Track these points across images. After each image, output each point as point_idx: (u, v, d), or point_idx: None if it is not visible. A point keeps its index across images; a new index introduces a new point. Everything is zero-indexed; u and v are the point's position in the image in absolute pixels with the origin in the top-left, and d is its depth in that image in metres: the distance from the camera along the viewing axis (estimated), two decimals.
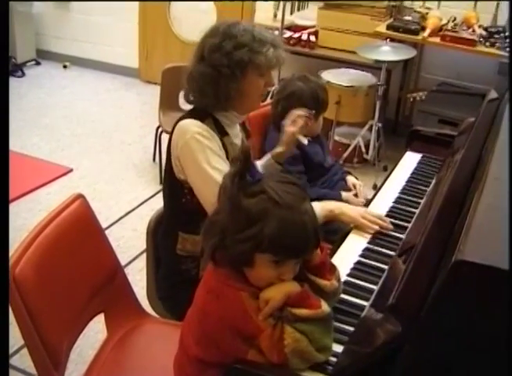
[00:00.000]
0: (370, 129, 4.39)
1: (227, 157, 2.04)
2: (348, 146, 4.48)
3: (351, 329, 1.51)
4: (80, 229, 1.94)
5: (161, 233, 2.22)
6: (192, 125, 2.00)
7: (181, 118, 2.06)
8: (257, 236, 1.33)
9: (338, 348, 1.43)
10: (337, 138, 4.54)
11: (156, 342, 2.09)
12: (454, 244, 1.33)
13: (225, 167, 2.00)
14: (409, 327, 1.16)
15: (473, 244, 1.07)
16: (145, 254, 3.35)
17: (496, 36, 4.04)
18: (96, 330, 2.25)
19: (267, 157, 2.31)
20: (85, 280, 1.92)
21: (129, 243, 3.53)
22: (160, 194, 4.02)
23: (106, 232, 3.53)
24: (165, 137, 4.22)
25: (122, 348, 2.03)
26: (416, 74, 4.99)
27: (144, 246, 3.42)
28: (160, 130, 4.24)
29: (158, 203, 3.94)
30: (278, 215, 1.33)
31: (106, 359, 1.97)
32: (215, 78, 1.96)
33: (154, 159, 4.49)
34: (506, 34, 4.09)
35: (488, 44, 4.02)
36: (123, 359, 2.02)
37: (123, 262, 3.32)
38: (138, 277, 3.22)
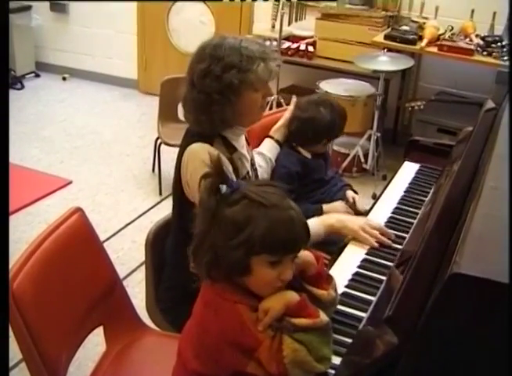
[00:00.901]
0: (369, 139, 4.40)
1: (237, 173, 2.03)
2: (347, 155, 4.48)
3: (350, 340, 1.51)
4: (78, 242, 1.94)
5: (171, 248, 2.20)
6: (201, 152, 1.94)
7: (190, 141, 2.02)
8: (249, 240, 1.35)
9: (336, 360, 1.43)
10: (335, 148, 4.56)
11: (155, 355, 2.09)
12: (451, 255, 1.33)
13: None
14: (405, 339, 1.16)
15: (469, 256, 1.08)
16: (144, 267, 3.39)
17: (494, 45, 4.05)
18: (96, 343, 2.24)
19: (267, 142, 2.38)
20: (84, 294, 1.91)
21: (128, 255, 3.53)
22: (160, 205, 4.12)
23: (105, 244, 3.58)
24: (164, 148, 4.26)
25: (121, 362, 2.03)
26: (414, 84, 5.01)
27: (143, 258, 3.46)
28: (159, 141, 4.24)
29: (157, 214, 3.98)
30: (265, 216, 1.35)
31: (105, 373, 1.97)
32: (208, 105, 1.94)
33: (153, 170, 4.50)
34: (504, 43, 4.10)
35: (485, 53, 4.03)
36: (122, 372, 2.02)
37: (122, 274, 3.35)
38: (137, 289, 3.22)
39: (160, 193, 4.23)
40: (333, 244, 2.13)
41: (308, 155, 2.62)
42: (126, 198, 4.18)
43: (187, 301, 2.14)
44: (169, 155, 4.42)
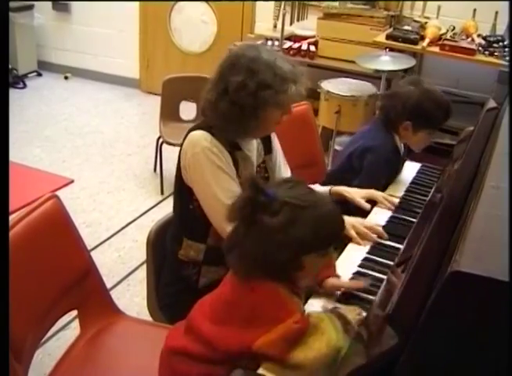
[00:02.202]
0: None
1: (238, 172, 2.05)
2: None
3: None
4: (51, 228, 1.97)
5: (169, 236, 2.24)
6: (202, 139, 2.00)
7: (193, 128, 2.07)
8: (298, 243, 1.44)
9: None
10: (337, 147, 4.54)
11: (128, 340, 2.15)
12: (451, 254, 1.33)
13: (231, 185, 2.01)
14: (405, 337, 1.16)
15: (469, 254, 1.07)
16: (145, 266, 3.40)
17: (495, 45, 4.05)
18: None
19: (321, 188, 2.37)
20: (55, 278, 1.95)
21: (130, 254, 3.53)
22: (161, 205, 4.12)
23: (107, 243, 3.63)
24: (166, 148, 4.27)
25: (94, 345, 2.08)
26: None
27: (145, 257, 3.46)
28: (160, 141, 4.25)
29: (159, 213, 3.99)
30: (308, 217, 1.45)
31: (77, 356, 2.02)
32: (239, 117, 1.96)
33: (155, 169, 4.50)
34: (506, 43, 4.10)
35: (487, 53, 4.03)
36: (94, 355, 2.07)
37: (123, 273, 3.37)
38: (138, 288, 3.23)
39: (162, 193, 4.23)
40: None
41: (401, 152, 2.54)
42: (128, 197, 4.18)
43: (186, 297, 2.16)
44: (170, 154, 4.42)
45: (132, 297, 3.16)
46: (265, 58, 1.96)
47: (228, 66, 1.99)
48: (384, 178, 2.46)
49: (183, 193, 2.12)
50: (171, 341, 1.67)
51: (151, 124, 5.20)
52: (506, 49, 4.04)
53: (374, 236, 2.06)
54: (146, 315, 2.78)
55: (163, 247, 2.27)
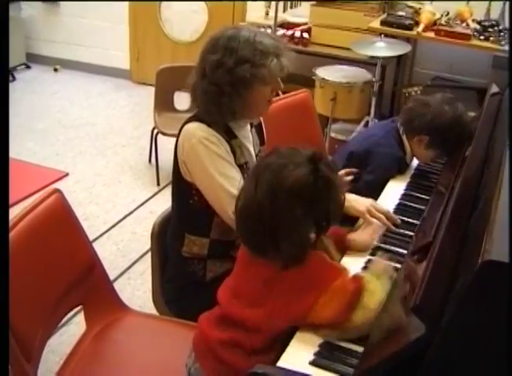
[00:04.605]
0: (366, 125, 4.38)
1: (235, 161, 2.02)
2: (345, 142, 4.45)
3: None
4: (55, 223, 1.94)
5: (170, 234, 2.21)
6: (198, 130, 1.98)
7: (187, 121, 2.04)
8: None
9: (358, 348, 1.44)
10: (332, 134, 4.52)
11: (135, 335, 2.12)
12: (472, 242, 1.32)
13: (233, 172, 1.98)
14: (432, 327, 1.15)
15: (498, 243, 1.06)
16: (146, 258, 3.37)
17: (490, 30, 4.03)
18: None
19: None
20: (61, 274, 1.93)
21: (129, 246, 3.50)
22: (158, 196, 4.09)
23: (105, 235, 3.59)
24: (161, 138, 4.23)
25: (101, 341, 2.06)
26: (409, 69, 4.99)
27: (144, 249, 3.45)
28: (155, 131, 4.20)
29: (156, 205, 3.96)
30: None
31: (84, 352, 1.99)
32: (218, 97, 1.93)
33: (150, 161, 4.46)
34: (501, 27, 4.08)
35: (482, 38, 4.01)
36: (101, 351, 2.05)
37: (123, 266, 3.33)
38: (139, 281, 3.21)
39: (158, 184, 4.20)
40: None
41: (409, 160, 2.48)
42: (124, 189, 4.14)
43: (192, 292, 2.15)
44: (165, 145, 4.39)
45: (134, 290, 3.13)
46: (243, 35, 1.94)
47: (207, 49, 1.97)
48: (381, 183, 2.41)
49: (182, 188, 2.09)
50: (213, 332, 1.63)
51: (144, 115, 5.16)
52: (502, 34, 4.02)
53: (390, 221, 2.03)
54: (149, 308, 2.76)
55: (165, 241, 2.24)
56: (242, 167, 2.05)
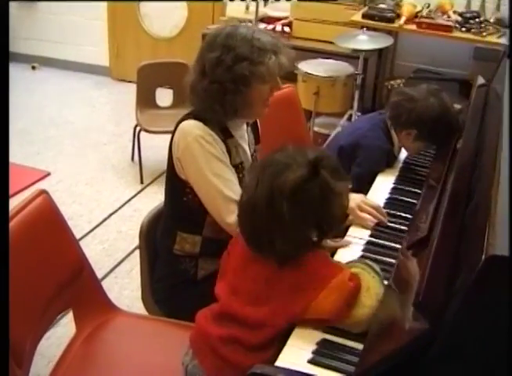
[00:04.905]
0: (350, 119, 4.38)
1: (230, 160, 2.00)
2: (328, 136, 4.44)
3: None
4: (43, 225, 1.91)
5: (160, 232, 2.18)
6: (194, 128, 1.95)
7: (184, 118, 2.01)
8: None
9: (358, 345, 1.42)
10: (316, 129, 4.51)
11: (126, 336, 2.10)
12: (470, 235, 1.31)
13: (228, 174, 1.96)
14: (435, 323, 1.13)
15: (502, 237, 1.04)
16: (132, 256, 3.34)
17: (472, 21, 4.04)
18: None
19: None
20: (49, 277, 1.90)
21: (115, 245, 3.46)
22: (142, 194, 4.05)
23: (90, 235, 3.55)
24: (143, 135, 4.19)
25: (92, 344, 2.03)
26: (391, 62, 4.99)
27: (130, 247, 3.42)
28: (138, 129, 4.16)
29: (141, 203, 3.93)
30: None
31: (75, 355, 1.97)
32: (221, 94, 1.91)
33: (133, 158, 4.41)
34: (481, 19, 4.10)
35: (464, 29, 4.02)
36: (93, 354, 2.02)
37: (110, 266, 3.30)
38: (126, 280, 3.17)
39: (142, 182, 4.15)
40: None
41: (397, 152, 2.47)
42: (107, 188, 4.09)
43: (184, 290, 2.12)
44: (148, 142, 4.35)
45: (121, 290, 3.09)
46: (241, 32, 1.92)
47: (205, 47, 1.95)
48: (370, 176, 2.39)
49: (176, 185, 2.06)
50: (212, 329, 1.61)
51: (125, 112, 5.10)
52: (483, 25, 4.04)
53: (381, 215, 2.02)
54: (137, 308, 2.73)
55: (155, 239, 2.21)
56: (237, 167, 2.03)
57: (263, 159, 1.60)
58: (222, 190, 1.92)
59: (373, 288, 1.51)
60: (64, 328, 2.63)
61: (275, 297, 1.51)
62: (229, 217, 1.92)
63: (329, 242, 1.83)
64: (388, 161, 2.44)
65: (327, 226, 1.53)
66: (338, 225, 1.59)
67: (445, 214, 1.44)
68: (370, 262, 1.60)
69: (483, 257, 1.03)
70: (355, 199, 2.02)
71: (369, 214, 1.99)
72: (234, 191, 1.94)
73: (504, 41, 3.93)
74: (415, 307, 1.17)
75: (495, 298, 1.02)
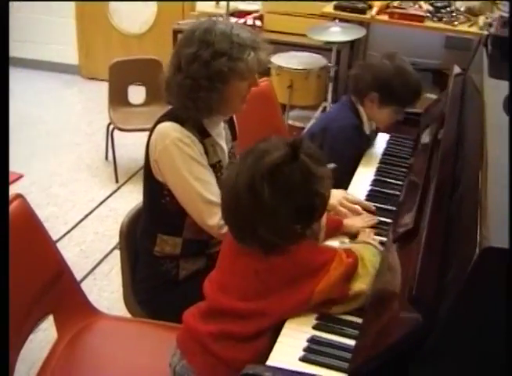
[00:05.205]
0: (324, 111, 4.37)
1: (208, 160, 1.97)
2: (303, 129, 4.43)
3: (356, 320, 1.52)
4: (20, 230, 1.86)
5: (140, 234, 2.14)
6: (172, 130, 1.91)
7: (160, 120, 1.97)
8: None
9: (350, 341, 1.41)
10: (290, 122, 4.49)
11: (110, 340, 2.07)
12: (458, 227, 1.30)
13: (207, 176, 1.93)
14: (429, 317, 1.12)
15: (495, 229, 1.03)
16: (110, 257, 3.30)
17: (443, 11, 4.06)
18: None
19: None
20: (29, 283, 1.86)
21: (92, 246, 3.41)
22: (118, 194, 4.00)
23: (67, 237, 3.49)
24: (117, 134, 4.13)
25: (75, 349, 1.99)
26: (363, 53, 4.99)
27: (108, 248, 3.38)
28: (111, 127, 4.10)
29: (116, 202, 3.87)
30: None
31: (59, 360, 1.93)
32: (195, 91, 1.87)
33: (107, 157, 4.35)
34: (452, 8, 4.11)
35: (435, 19, 4.03)
36: (77, 359, 1.98)
37: (88, 267, 3.25)
38: (105, 282, 3.13)
39: (117, 181, 4.10)
40: None
41: (368, 129, 2.48)
42: (82, 188, 4.03)
43: (166, 291, 2.09)
44: (121, 141, 4.30)
45: (100, 291, 3.05)
46: (220, 27, 1.88)
47: (182, 42, 1.91)
48: (348, 158, 2.39)
49: (153, 188, 2.02)
50: (201, 326, 1.58)
51: (96, 111, 5.03)
52: (454, 14, 4.05)
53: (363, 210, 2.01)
54: (117, 310, 2.70)
55: (135, 240, 2.18)
56: (214, 166, 2.00)
57: (243, 152, 1.57)
58: (202, 193, 1.90)
59: (366, 256, 1.58)
60: (45, 333, 2.58)
61: (269, 291, 1.49)
62: (211, 219, 1.90)
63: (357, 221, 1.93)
64: (360, 140, 2.44)
65: (308, 214, 1.51)
66: (318, 215, 1.57)
67: (432, 206, 1.42)
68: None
69: (476, 249, 1.02)
70: (336, 195, 1.99)
71: (353, 210, 1.97)
72: (213, 193, 1.91)
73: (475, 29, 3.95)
74: (409, 301, 1.15)
75: (492, 289, 1.01)
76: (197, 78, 1.85)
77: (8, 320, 1.45)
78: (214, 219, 1.88)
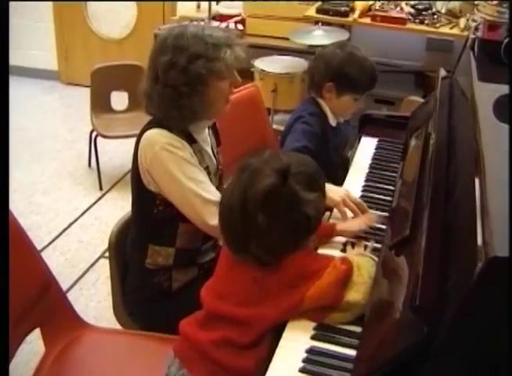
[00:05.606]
0: None
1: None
2: None
3: (355, 329, 1.50)
4: None
5: (130, 246, 2.10)
6: (160, 136, 1.89)
7: (146, 128, 1.94)
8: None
9: (349, 351, 1.39)
10: (275, 126, 4.46)
11: (97, 352, 2.04)
12: (456, 234, 1.29)
13: (201, 176, 1.91)
14: (432, 327, 1.11)
15: (499, 237, 1.02)
16: (96, 266, 3.26)
17: (424, 13, 4.06)
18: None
19: None
20: (16, 296, 1.80)
21: (77, 256, 3.36)
22: (102, 201, 3.95)
23: (51, 246, 3.44)
24: (101, 141, 4.08)
25: (64, 363, 1.96)
26: None
27: (94, 257, 3.34)
28: (94, 134, 4.05)
29: (101, 210, 3.83)
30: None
31: (47, 374, 1.89)
32: (176, 99, 1.85)
33: (90, 164, 4.30)
34: (434, 10, 4.12)
35: (417, 21, 4.04)
36: (65, 373, 1.95)
37: (74, 277, 3.20)
38: (92, 291, 3.09)
39: (101, 188, 4.05)
40: None
41: (333, 121, 2.50)
42: (65, 196, 3.97)
43: (158, 303, 2.06)
44: (104, 148, 4.26)
45: (87, 301, 3.01)
46: (191, 31, 1.86)
47: (156, 51, 1.89)
48: (309, 148, 2.35)
49: (145, 198, 1.98)
50: (200, 334, 1.57)
51: (78, 117, 4.99)
52: (435, 17, 4.06)
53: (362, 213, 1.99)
54: (106, 320, 2.67)
55: (124, 250, 2.14)
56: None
57: (241, 163, 1.57)
58: (200, 193, 1.86)
59: (363, 266, 1.56)
60: (30, 345, 2.52)
61: (264, 296, 1.50)
62: (212, 219, 1.84)
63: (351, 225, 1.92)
64: (320, 126, 2.45)
65: (299, 235, 1.54)
66: (310, 234, 1.59)
67: (429, 212, 1.41)
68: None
69: (478, 256, 1.01)
70: (338, 192, 1.98)
71: (352, 210, 1.96)
72: (210, 192, 1.88)
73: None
74: (411, 310, 1.14)
75: (498, 299, 0.99)
76: (177, 86, 1.83)
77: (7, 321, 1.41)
78: (214, 219, 1.81)
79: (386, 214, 1.99)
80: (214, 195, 1.86)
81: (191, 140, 1.96)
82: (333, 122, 2.50)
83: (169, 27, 1.96)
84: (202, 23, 4.56)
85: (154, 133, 1.90)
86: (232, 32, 1.95)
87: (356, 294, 1.51)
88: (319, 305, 1.51)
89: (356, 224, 1.91)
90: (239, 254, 1.54)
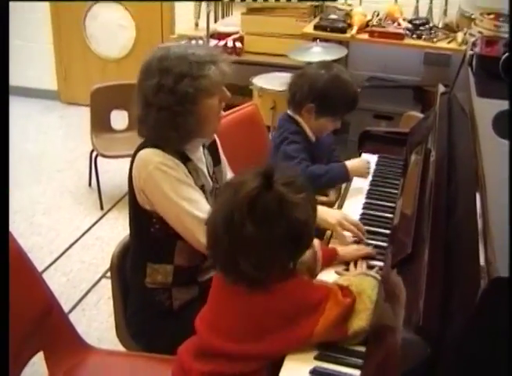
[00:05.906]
0: None
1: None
2: None
3: (359, 349, 1.49)
4: None
5: (130, 266, 2.10)
6: (153, 155, 1.89)
7: (140, 148, 1.95)
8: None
9: (352, 371, 1.38)
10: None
11: (101, 375, 2.02)
12: (458, 253, 1.28)
13: (195, 195, 1.91)
14: (436, 348, 1.10)
15: (501, 257, 1.02)
16: (98, 287, 3.25)
17: (422, 28, 4.08)
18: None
19: None
20: (17, 320, 1.79)
21: (79, 276, 3.35)
22: (103, 221, 3.95)
23: (53, 267, 3.43)
24: (101, 161, 4.09)
25: None
26: None
27: (95, 278, 3.33)
28: (94, 154, 4.06)
29: (102, 230, 3.83)
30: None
31: None
32: (172, 119, 1.86)
33: (90, 184, 4.30)
34: (431, 24, 4.15)
35: (415, 36, 4.06)
36: None
37: (76, 298, 3.19)
38: (95, 312, 3.08)
39: (102, 208, 4.05)
40: None
41: (312, 137, 2.50)
42: (66, 216, 3.97)
43: (160, 322, 2.05)
44: (104, 167, 4.26)
45: (90, 322, 2.99)
46: (174, 52, 1.89)
47: (142, 77, 1.91)
48: (306, 159, 2.39)
49: (141, 218, 1.99)
50: (193, 365, 1.54)
51: (77, 137, 4.99)
52: (432, 31, 4.08)
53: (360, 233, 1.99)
54: (109, 341, 2.65)
55: (126, 271, 2.13)
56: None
57: (221, 188, 1.56)
58: (193, 213, 1.87)
59: (363, 291, 1.54)
60: (33, 367, 2.51)
61: (264, 331, 1.46)
62: (205, 239, 1.85)
63: (351, 249, 1.90)
64: (308, 142, 2.47)
65: (292, 244, 1.47)
66: (305, 244, 1.53)
67: (431, 230, 1.41)
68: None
69: (481, 276, 1.00)
70: (335, 215, 1.99)
71: (350, 231, 1.96)
72: (204, 211, 1.88)
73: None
74: (415, 332, 1.13)
75: (502, 319, 0.99)
76: (170, 106, 1.85)
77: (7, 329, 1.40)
78: None
79: (387, 231, 1.98)
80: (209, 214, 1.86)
81: (185, 159, 1.96)
82: (312, 138, 2.50)
83: (154, 49, 1.97)
84: (200, 41, 4.63)
85: (148, 153, 1.91)
86: (215, 49, 1.97)
87: (361, 321, 1.49)
88: (327, 340, 1.49)
89: (354, 250, 1.90)
90: (229, 275, 1.49)
